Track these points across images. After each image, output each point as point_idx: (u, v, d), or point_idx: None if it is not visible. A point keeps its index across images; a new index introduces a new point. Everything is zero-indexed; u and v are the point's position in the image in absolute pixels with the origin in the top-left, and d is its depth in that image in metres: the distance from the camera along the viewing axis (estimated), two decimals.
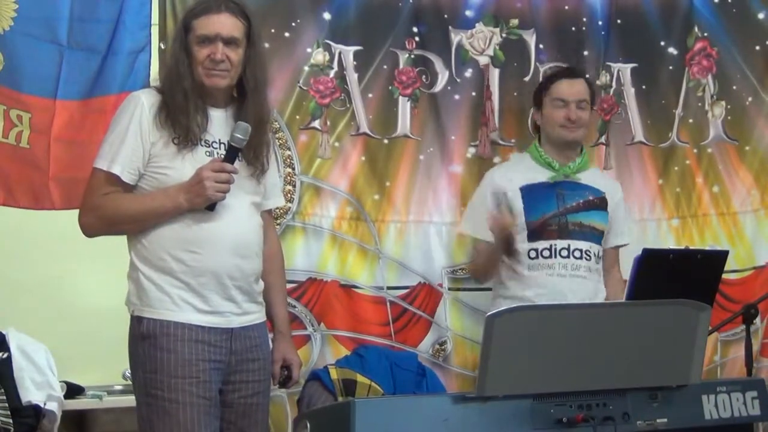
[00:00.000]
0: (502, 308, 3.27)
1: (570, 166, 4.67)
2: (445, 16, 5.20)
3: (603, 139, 5.43)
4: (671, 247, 5.31)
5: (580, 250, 4.59)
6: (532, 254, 4.55)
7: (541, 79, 5.01)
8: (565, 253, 4.57)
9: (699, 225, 5.52)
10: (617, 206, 4.76)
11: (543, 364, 3.28)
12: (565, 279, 4.55)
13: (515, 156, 4.91)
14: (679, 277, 4.28)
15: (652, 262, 4.31)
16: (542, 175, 4.63)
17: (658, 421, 3.42)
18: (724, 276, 4.62)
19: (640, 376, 3.41)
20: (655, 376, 3.44)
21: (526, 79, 5.28)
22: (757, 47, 5.71)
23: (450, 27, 5.21)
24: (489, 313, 3.22)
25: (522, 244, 4.54)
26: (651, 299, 3.69)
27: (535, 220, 4.57)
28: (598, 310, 3.73)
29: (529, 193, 4.59)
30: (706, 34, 5.63)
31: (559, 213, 4.59)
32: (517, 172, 4.66)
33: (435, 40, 5.19)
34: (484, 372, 3.21)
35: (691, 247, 5.29)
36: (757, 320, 4.87)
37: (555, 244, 4.57)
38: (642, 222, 5.41)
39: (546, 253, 4.55)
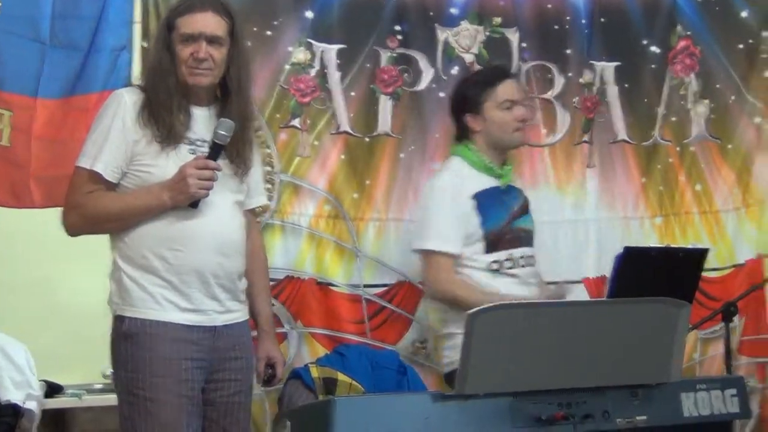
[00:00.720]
0: (485, 306, 3.27)
1: (507, 170, 4.52)
2: (430, 13, 5.21)
3: (586, 138, 5.43)
4: (654, 245, 5.31)
5: (531, 257, 4.49)
6: (494, 266, 4.37)
7: (461, 84, 4.69)
8: (523, 262, 4.43)
9: (681, 223, 5.52)
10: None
11: (524, 362, 3.28)
12: (528, 287, 4.40)
13: (451, 162, 4.55)
14: (660, 275, 4.30)
15: (633, 259, 4.32)
16: (487, 182, 4.43)
17: (637, 418, 3.42)
18: (705, 274, 4.64)
19: (620, 373, 3.42)
20: (635, 374, 3.44)
21: None
22: (740, 46, 5.72)
23: (436, 25, 5.21)
24: (471, 311, 3.22)
25: (482, 257, 4.37)
26: (632, 297, 3.71)
27: (493, 230, 4.38)
28: (579, 308, 3.73)
29: (484, 200, 4.39)
30: (689, 33, 5.64)
31: (510, 220, 4.45)
32: (463, 178, 4.44)
33: (419, 38, 5.19)
34: (464, 370, 3.21)
35: (673, 245, 5.30)
36: (737, 318, 4.90)
37: (513, 254, 4.41)
38: (625, 220, 5.41)
39: (508, 264, 4.39)
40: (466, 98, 4.51)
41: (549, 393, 3.31)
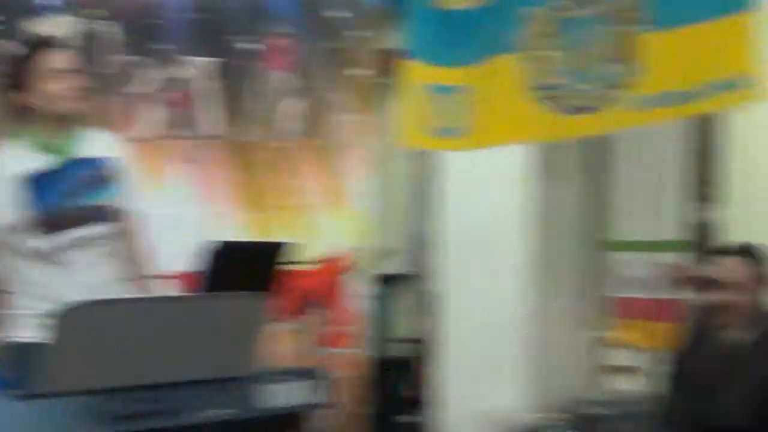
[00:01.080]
0: (69, 302, 3.26)
1: (69, 144, 4.29)
2: (23, 3, 5.10)
3: (181, 132, 5.47)
4: (244, 239, 5.39)
5: (99, 237, 4.28)
6: (42, 252, 4.16)
7: (8, 64, 4.47)
8: (83, 243, 4.22)
9: (271, 217, 5.65)
10: (122, 169, 4.43)
11: (107, 359, 3.27)
12: (85, 272, 4.21)
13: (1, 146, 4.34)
14: (249, 269, 4.38)
15: (224, 253, 4.38)
16: (40, 161, 4.21)
17: (219, 412, 3.49)
18: (291, 267, 4.76)
19: (203, 368, 3.46)
20: (218, 368, 3.50)
21: (105, 70, 5.25)
22: (332, 46, 5.92)
23: (28, 15, 5.11)
24: (54, 308, 3.20)
25: (30, 243, 4.16)
26: (224, 291, 3.78)
27: (44, 212, 4.16)
28: (164, 304, 3.74)
29: (34, 181, 4.16)
30: (284, 31, 5.77)
31: (69, 199, 4.23)
32: (10, 160, 4.20)
33: (9, 29, 5.06)
34: (43, 368, 3.19)
35: (261, 239, 5.38)
36: (319, 310, 5.10)
37: (70, 236, 4.20)
38: (219, 214, 5.49)
39: (61, 248, 4.18)
40: (13, 75, 4.31)
41: (133, 390, 3.32)
